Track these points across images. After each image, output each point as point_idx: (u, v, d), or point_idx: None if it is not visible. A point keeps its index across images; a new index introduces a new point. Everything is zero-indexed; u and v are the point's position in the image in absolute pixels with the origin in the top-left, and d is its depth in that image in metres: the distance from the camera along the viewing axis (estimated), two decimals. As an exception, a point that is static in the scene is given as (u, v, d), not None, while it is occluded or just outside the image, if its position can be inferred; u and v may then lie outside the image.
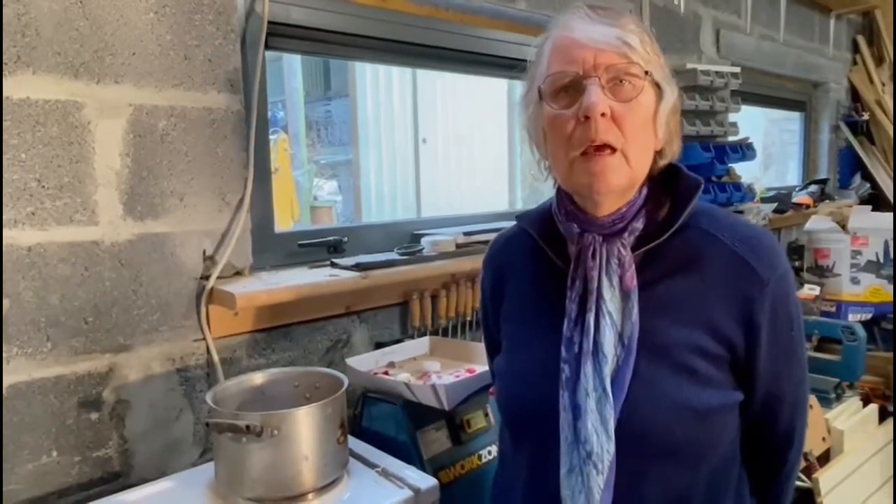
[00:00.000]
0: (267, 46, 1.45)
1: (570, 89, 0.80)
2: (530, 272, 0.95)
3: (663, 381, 0.80)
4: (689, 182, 0.86)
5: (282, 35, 1.53)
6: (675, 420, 0.79)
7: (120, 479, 1.24)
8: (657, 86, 0.82)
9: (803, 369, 0.88)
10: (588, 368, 0.80)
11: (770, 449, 0.90)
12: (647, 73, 0.80)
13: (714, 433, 0.81)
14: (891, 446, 1.93)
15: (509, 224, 1.02)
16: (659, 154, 0.85)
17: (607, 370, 0.79)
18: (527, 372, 0.88)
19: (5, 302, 1.10)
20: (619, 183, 0.80)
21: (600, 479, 0.77)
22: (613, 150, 0.78)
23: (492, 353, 1.04)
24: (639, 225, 0.83)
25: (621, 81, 0.78)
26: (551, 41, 0.83)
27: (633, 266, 0.82)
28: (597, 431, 0.77)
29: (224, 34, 1.33)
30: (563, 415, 0.80)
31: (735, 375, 0.83)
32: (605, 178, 0.79)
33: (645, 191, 0.85)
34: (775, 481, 0.93)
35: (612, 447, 0.77)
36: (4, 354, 1.11)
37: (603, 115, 0.77)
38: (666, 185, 0.88)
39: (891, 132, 3.68)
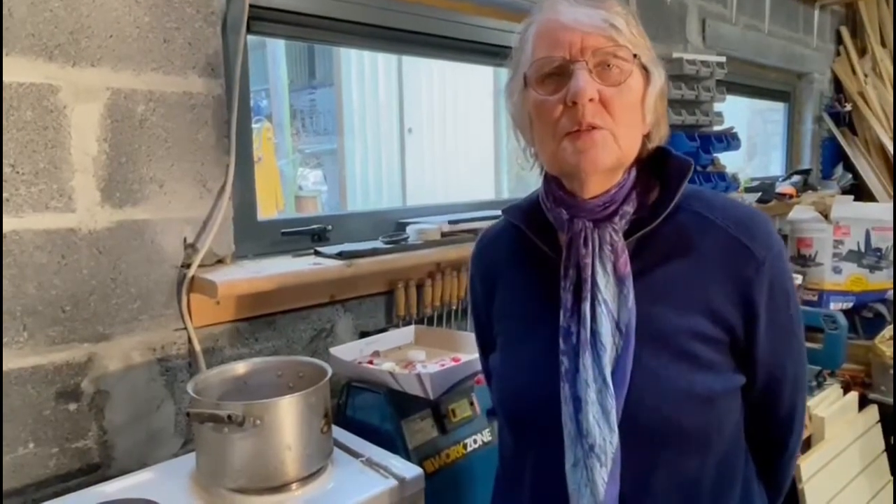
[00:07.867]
0: (249, 30, 1.43)
1: (557, 74, 0.78)
2: (521, 266, 0.92)
3: (665, 370, 0.78)
4: (678, 164, 0.84)
5: (264, 19, 1.50)
6: (680, 408, 0.77)
7: (99, 471, 1.22)
8: (645, 69, 0.80)
9: (802, 346, 0.87)
10: (587, 359, 0.77)
11: (772, 431, 0.89)
12: (635, 56, 0.78)
13: (719, 418, 0.80)
14: (870, 433, 1.96)
15: (495, 212, 1.01)
16: (647, 137, 0.84)
17: (606, 360, 0.77)
18: (525, 366, 0.86)
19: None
20: (607, 161, 0.78)
21: (604, 471, 0.75)
22: (601, 129, 0.77)
23: (486, 351, 1.00)
24: (629, 209, 0.82)
25: (609, 65, 0.77)
26: (535, 26, 0.81)
27: (627, 252, 0.80)
28: (598, 423, 0.75)
29: (204, 17, 1.31)
30: (564, 408, 0.78)
31: (736, 358, 0.81)
32: (594, 156, 0.77)
33: (633, 173, 0.83)
34: (778, 462, 0.92)
35: (615, 439, 0.75)
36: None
37: (591, 100, 0.75)
38: (654, 168, 0.86)
39: (873, 123, 3.72)
